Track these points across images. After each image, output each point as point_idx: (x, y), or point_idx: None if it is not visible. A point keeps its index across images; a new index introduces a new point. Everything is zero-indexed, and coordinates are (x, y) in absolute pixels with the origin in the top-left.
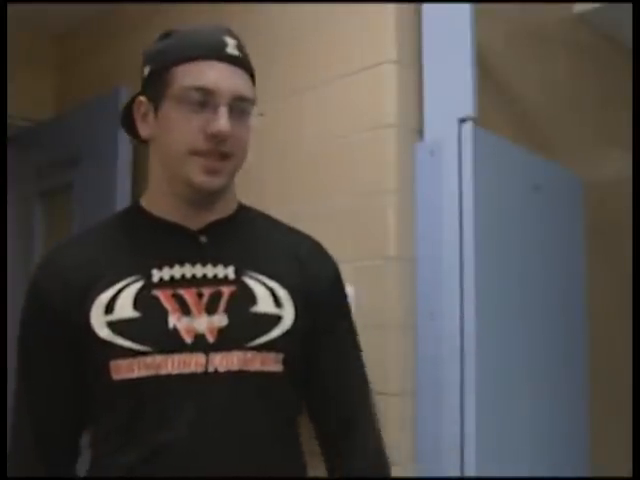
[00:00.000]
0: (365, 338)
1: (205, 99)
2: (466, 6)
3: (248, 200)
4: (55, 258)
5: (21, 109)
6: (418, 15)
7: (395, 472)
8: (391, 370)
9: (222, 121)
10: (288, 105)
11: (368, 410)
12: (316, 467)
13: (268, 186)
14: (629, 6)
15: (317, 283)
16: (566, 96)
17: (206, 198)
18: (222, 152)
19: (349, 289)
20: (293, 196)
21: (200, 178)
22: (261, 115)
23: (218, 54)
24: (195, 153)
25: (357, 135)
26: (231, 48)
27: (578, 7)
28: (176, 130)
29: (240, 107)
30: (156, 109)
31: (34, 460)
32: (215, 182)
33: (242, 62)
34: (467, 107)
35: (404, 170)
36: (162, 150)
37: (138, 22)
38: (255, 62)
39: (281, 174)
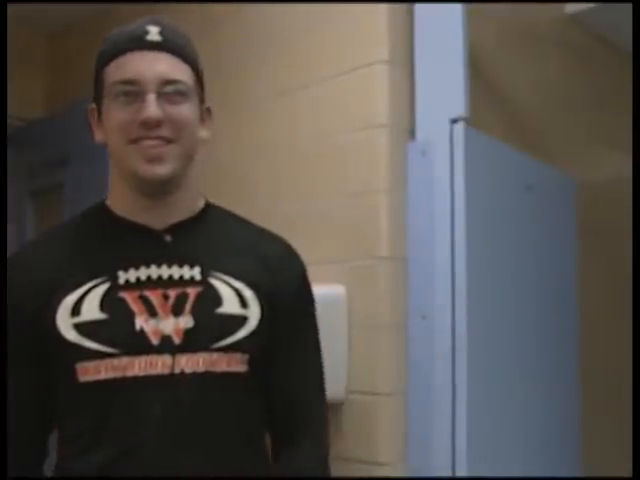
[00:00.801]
0: (356, 338)
1: (133, 90)
2: (458, 6)
3: (241, 201)
4: (22, 257)
5: (12, 108)
6: (410, 15)
7: (386, 472)
8: (382, 370)
9: (150, 108)
10: (280, 105)
11: (321, 412)
12: None
13: (260, 186)
14: (621, 6)
15: (285, 287)
16: (558, 96)
17: (159, 188)
18: (161, 137)
19: (340, 289)
20: (285, 196)
21: (143, 167)
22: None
23: (138, 44)
24: (133, 142)
25: (349, 135)
26: (152, 35)
27: (570, 7)
28: (114, 126)
29: (173, 90)
30: (99, 112)
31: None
32: (160, 169)
33: (166, 46)
34: (459, 107)
35: (396, 170)
36: (109, 149)
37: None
38: (247, 62)
39: (273, 174)
